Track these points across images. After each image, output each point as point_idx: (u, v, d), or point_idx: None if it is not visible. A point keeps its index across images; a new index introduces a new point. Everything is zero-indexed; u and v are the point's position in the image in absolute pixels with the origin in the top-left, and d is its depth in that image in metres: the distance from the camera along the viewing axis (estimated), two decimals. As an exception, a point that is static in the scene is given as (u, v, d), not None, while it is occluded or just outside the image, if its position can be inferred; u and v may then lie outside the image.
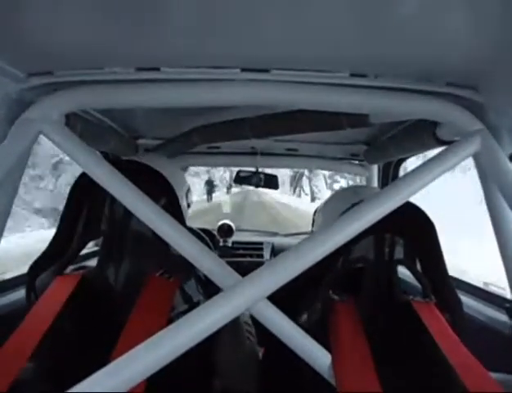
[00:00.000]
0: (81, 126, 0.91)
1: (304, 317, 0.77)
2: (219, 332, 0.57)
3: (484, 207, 0.71)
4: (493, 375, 0.64)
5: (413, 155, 1.47)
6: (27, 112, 0.69)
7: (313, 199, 31.65)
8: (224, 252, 2.19)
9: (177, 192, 0.89)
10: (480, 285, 1.32)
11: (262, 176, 2.11)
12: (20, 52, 0.63)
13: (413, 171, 0.66)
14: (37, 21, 0.54)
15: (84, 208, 0.84)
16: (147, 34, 0.58)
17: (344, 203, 0.82)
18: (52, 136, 0.69)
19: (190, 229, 0.78)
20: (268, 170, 2.18)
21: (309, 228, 1.16)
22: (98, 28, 0.56)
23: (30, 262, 0.81)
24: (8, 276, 1.26)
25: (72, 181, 0.84)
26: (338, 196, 0.99)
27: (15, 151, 0.68)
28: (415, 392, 0.66)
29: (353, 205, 0.65)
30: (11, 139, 0.68)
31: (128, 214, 0.72)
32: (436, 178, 0.65)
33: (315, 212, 1.08)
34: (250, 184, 2.17)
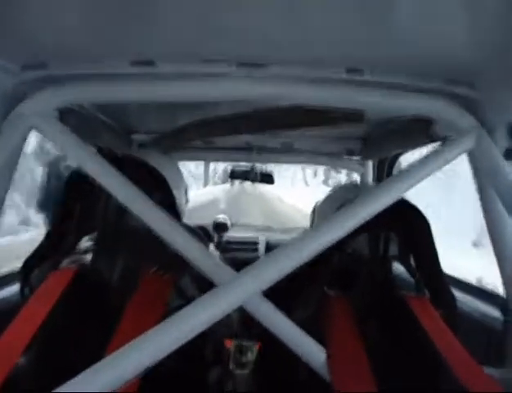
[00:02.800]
0: (75, 121, 0.90)
1: (299, 312, 0.77)
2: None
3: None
4: (485, 369, 0.64)
5: (408, 151, 1.47)
6: (20, 106, 0.68)
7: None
8: (219, 248, 2.19)
9: (174, 189, 0.88)
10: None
11: (257, 171, 2.10)
12: (13, 46, 0.62)
13: (408, 168, 0.66)
14: (31, 15, 0.53)
15: (78, 203, 0.84)
16: (142, 29, 0.57)
17: (340, 200, 0.83)
18: (45, 130, 0.68)
19: (185, 225, 0.78)
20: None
21: None
22: (92, 22, 0.55)
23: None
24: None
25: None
26: (334, 193, 0.99)
27: (8, 145, 0.67)
28: (409, 386, 0.67)
29: (348, 202, 0.65)
30: (4, 133, 0.67)
31: (122, 210, 0.71)
32: (430, 175, 0.65)
33: (313, 210, 1.08)
34: (246, 179, 2.17)
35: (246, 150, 1.85)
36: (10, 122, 0.68)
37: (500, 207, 0.67)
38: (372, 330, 0.73)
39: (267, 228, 2.75)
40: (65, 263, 0.85)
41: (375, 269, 0.82)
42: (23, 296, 0.79)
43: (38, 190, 6.75)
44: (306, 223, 1.14)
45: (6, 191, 0.73)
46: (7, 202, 0.75)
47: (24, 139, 0.70)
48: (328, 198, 0.97)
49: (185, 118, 1.26)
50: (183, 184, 0.97)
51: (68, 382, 0.48)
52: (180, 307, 0.56)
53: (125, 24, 0.57)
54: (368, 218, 0.62)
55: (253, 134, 1.20)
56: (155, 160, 0.88)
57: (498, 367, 0.76)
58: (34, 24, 0.56)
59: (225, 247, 2.24)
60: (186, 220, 0.94)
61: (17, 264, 0.86)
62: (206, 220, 2.28)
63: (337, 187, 1.04)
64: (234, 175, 2.18)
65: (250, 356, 1.72)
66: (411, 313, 0.75)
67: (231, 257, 2.07)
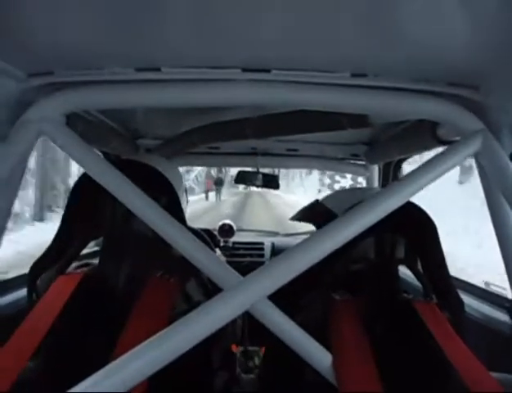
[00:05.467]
0: (82, 126, 0.91)
1: (305, 316, 0.77)
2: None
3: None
4: (494, 375, 0.64)
5: (414, 154, 1.47)
6: (28, 112, 0.69)
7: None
8: (225, 252, 2.19)
9: (178, 192, 0.89)
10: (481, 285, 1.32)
11: (262, 176, 2.11)
12: (20, 53, 0.63)
13: (414, 171, 0.66)
14: (37, 22, 0.54)
15: (85, 208, 0.85)
16: (148, 35, 0.58)
17: (345, 203, 0.82)
18: (53, 136, 0.69)
19: (191, 229, 0.78)
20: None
21: None
22: (98, 28, 0.56)
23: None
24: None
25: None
26: (338, 196, 0.99)
27: (16, 151, 0.68)
28: (416, 391, 0.66)
29: (354, 205, 0.65)
30: (12, 139, 0.68)
31: (129, 215, 0.72)
32: (437, 178, 0.65)
33: (314, 205, 1.07)
34: (251, 184, 2.17)
35: (251, 155, 1.86)
36: (18, 128, 0.69)
37: (507, 209, 0.66)
38: (378, 334, 0.73)
39: (273, 233, 2.74)
40: (72, 267, 0.85)
41: (381, 273, 0.82)
42: (30, 301, 0.79)
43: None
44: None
45: (15, 197, 0.74)
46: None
47: (33, 145, 0.70)
48: (332, 201, 0.97)
49: (191, 123, 1.27)
50: (183, 188, 0.97)
51: (74, 387, 0.49)
52: (186, 311, 0.57)
53: (130, 31, 0.57)
54: (374, 221, 0.62)
55: (259, 139, 1.20)
56: (159, 166, 0.88)
57: (506, 372, 0.75)
58: (40, 31, 0.57)
59: (231, 251, 2.24)
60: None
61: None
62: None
63: (340, 191, 1.04)
64: (239, 180, 2.19)
65: (256, 361, 1.72)
66: (418, 318, 0.75)
67: (238, 261, 2.07)
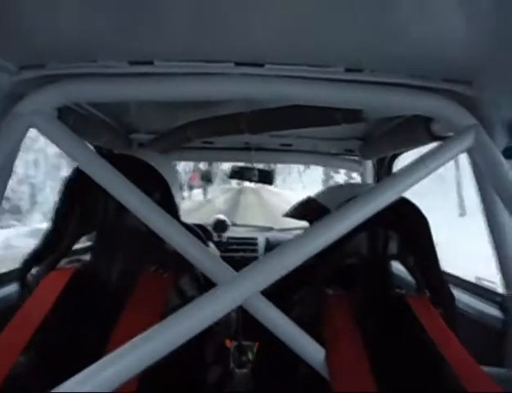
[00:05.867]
0: (73, 120, 0.90)
1: (298, 311, 0.77)
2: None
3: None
4: (485, 368, 0.65)
5: (407, 150, 1.47)
6: (19, 105, 0.68)
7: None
8: (219, 247, 2.19)
9: (171, 187, 0.88)
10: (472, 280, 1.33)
11: (256, 171, 2.10)
12: (11, 45, 0.62)
13: (407, 167, 0.66)
14: (29, 14, 0.53)
15: (77, 202, 0.84)
16: (141, 28, 0.57)
17: (338, 199, 0.83)
18: (44, 129, 0.68)
19: (185, 224, 0.78)
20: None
21: None
22: (91, 21, 0.55)
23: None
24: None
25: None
26: (331, 192, 0.99)
27: (6, 144, 0.67)
28: (409, 385, 0.67)
29: (348, 201, 0.65)
30: (3, 133, 0.67)
31: (121, 209, 0.72)
32: (430, 174, 0.66)
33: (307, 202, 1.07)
34: (245, 179, 2.17)
35: (245, 150, 1.85)
36: (8, 121, 0.68)
37: (499, 204, 0.67)
38: (371, 329, 0.73)
39: (267, 228, 2.74)
40: (64, 262, 0.85)
41: (374, 268, 0.82)
42: (21, 296, 0.79)
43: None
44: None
45: (5, 189, 0.73)
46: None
47: (23, 137, 0.70)
48: (325, 197, 0.97)
49: (184, 117, 1.26)
50: (178, 183, 0.97)
51: (66, 382, 0.48)
52: (180, 306, 0.56)
53: (123, 24, 0.57)
54: (368, 217, 0.62)
55: (252, 134, 1.20)
56: (154, 160, 0.88)
57: (498, 366, 0.76)
58: (32, 24, 0.56)
59: (225, 246, 2.24)
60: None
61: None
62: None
63: (333, 187, 1.04)
64: (233, 175, 2.18)
65: (250, 356, 1.73)
66: (411, 312, 0.75)
67: (231, 256, 2.07)
